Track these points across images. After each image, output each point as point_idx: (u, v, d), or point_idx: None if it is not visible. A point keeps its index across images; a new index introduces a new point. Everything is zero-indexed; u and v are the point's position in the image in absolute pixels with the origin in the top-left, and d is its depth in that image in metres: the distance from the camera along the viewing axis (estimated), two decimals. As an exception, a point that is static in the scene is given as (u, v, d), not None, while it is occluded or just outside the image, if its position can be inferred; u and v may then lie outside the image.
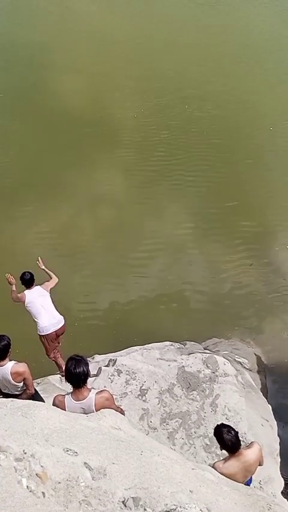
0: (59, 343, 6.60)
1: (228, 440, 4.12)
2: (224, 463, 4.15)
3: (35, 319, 6.27)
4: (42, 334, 6.29)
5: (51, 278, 6.65)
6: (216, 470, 4.02)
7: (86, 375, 3.83)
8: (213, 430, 4.36)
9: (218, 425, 4.30)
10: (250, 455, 4.21)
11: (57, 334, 6.40)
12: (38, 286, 6.43)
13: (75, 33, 15.64)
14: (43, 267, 6.76)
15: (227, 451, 4.18)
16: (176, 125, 12.40)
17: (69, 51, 14.76)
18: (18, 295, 6.34)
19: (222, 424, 4.30)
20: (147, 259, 9.38)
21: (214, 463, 4.24)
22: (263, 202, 10.51)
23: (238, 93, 13.31)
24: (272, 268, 9.30)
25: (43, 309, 6.26)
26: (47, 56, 14.40)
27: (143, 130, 12.25)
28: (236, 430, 4.26)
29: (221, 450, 4.31)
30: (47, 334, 6.29)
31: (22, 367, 4.72)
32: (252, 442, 4.46)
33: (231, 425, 4.36)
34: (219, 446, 4.27)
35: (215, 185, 10.83)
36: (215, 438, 4.31)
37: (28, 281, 6.28)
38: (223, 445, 4.17)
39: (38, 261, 6.76)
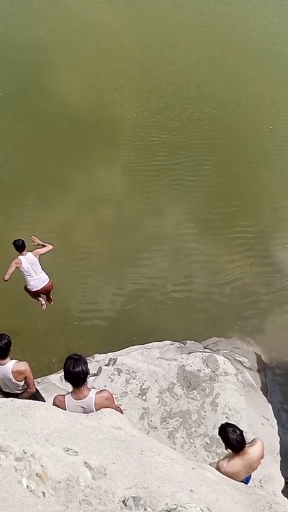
0: (50, 302, 7.95)
1: (234, 439, 4.11)
2: (228, 461, 4.14)
3: (26, 279, 7.40)
4: (32, 290, 7.52)
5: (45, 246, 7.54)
6: (220, 469, 4.00)
7: (86, 373, 3.82)
8: (213, 429, 4.35)
9: (222, 424, 4.28)
10: (254, 453, 4.20)
11: (46, 289, 7.60)
12: (30, 252, 7.31)
13: (74, 33, 15.66)
14: (39, 242, 7.56)
15: (232, 450, 4.17)
16: (176, 126, 12.39)
17: (68, 52, 14.76)
18: (13, 262, 7.16)
19: (227, 424, 4.28)
20: (147, 259, 9.38)
21: (218, 462, 4.22)
22: (263, 202, 10.51)
23: (238, 93, 13.31)
24: (272, 268, 9.31)
25: (34, 273, 7.40)
26: (47, 56, 14.42)
27: (143, 131, 12.24)
28: (240, 429, 4.26)
29: (226, 450, 4.29)
30: (37, 290, 7.55)
31: (23, 366, 4.72)
32: (254, 439, 4.44)
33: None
34: (220, 445, 4.26)
35: (215, 186, 10.84)
36: (215, 437, 4.29)
37: (20, 246, 7.24)
38: (228, 444, 4.15)
39: (33, 239, 7.57)
